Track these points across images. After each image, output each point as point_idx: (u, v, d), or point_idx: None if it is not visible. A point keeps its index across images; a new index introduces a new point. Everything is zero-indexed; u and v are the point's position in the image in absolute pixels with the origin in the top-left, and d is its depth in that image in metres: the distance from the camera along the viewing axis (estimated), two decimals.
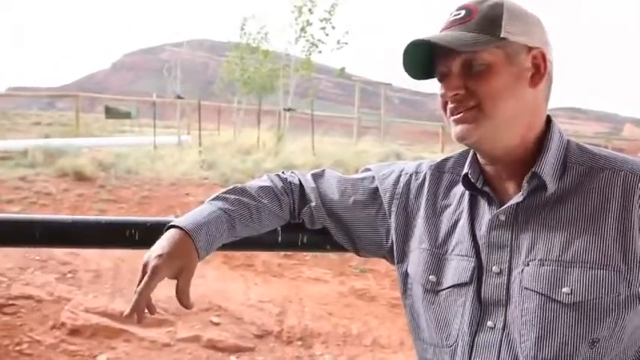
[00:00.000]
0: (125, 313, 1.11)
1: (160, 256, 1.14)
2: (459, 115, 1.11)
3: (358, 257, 1.45)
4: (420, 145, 21.87)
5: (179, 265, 1.15)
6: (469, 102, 1.10)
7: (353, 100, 23.40)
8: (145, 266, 1.13)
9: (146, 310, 1.12)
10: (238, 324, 5.08)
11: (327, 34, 17.93)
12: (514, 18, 1.10)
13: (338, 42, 18.10)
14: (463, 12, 1.12)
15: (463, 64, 1.10)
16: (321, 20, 17.80)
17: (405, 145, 21.38)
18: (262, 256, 6.54)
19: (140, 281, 1.13)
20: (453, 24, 1.12)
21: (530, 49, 1.11)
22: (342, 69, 20.06)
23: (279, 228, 1.36)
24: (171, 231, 1.19)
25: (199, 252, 1.18)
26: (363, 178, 1.37)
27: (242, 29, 18.80)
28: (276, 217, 1.33)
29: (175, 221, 1.21)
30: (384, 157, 14.12)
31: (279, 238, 1.37)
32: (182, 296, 1.15)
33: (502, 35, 1.08)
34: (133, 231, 1.35)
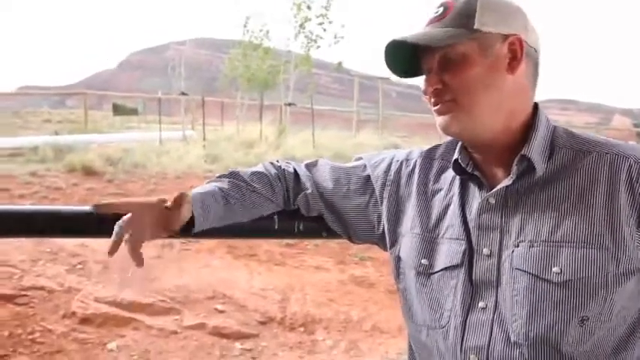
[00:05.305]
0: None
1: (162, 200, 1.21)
2: (438, 107, 1.14)
3: (357, 245, 1.51)
4: (418, 137, 21.64)
5: (170, 214, 1.21)
6: (446, 95, 1.12)
7: (352, 94, 23.41)
8: None
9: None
10: (242, 311, 5.08)
11: (324, 29, 18.02)
12: (488, 9, 1.11)
13: (335, 36, 18.20)
14: (441, 9, 1.13)
15: (440, 59, 1.12)
16: (318, 16, 17.90)
17: (403, 137, 21.20)
18: (265, 246, 6.53)
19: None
20: (431, 22, 1.14)
21: (506, 37, 1.11)
22: (340, 63, 20.11)
23: (275, 216, 1.37)
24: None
25: (196, 215, 1.23)
26: (355, 167, 1.38)
27: (245, 27, 18.92)
28: (268, 202, 1.35)
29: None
30: (382, 149, 13.97)
31: (276, 226, 1.38)
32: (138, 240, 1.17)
33: (475, 27, 1.09)
34: None
